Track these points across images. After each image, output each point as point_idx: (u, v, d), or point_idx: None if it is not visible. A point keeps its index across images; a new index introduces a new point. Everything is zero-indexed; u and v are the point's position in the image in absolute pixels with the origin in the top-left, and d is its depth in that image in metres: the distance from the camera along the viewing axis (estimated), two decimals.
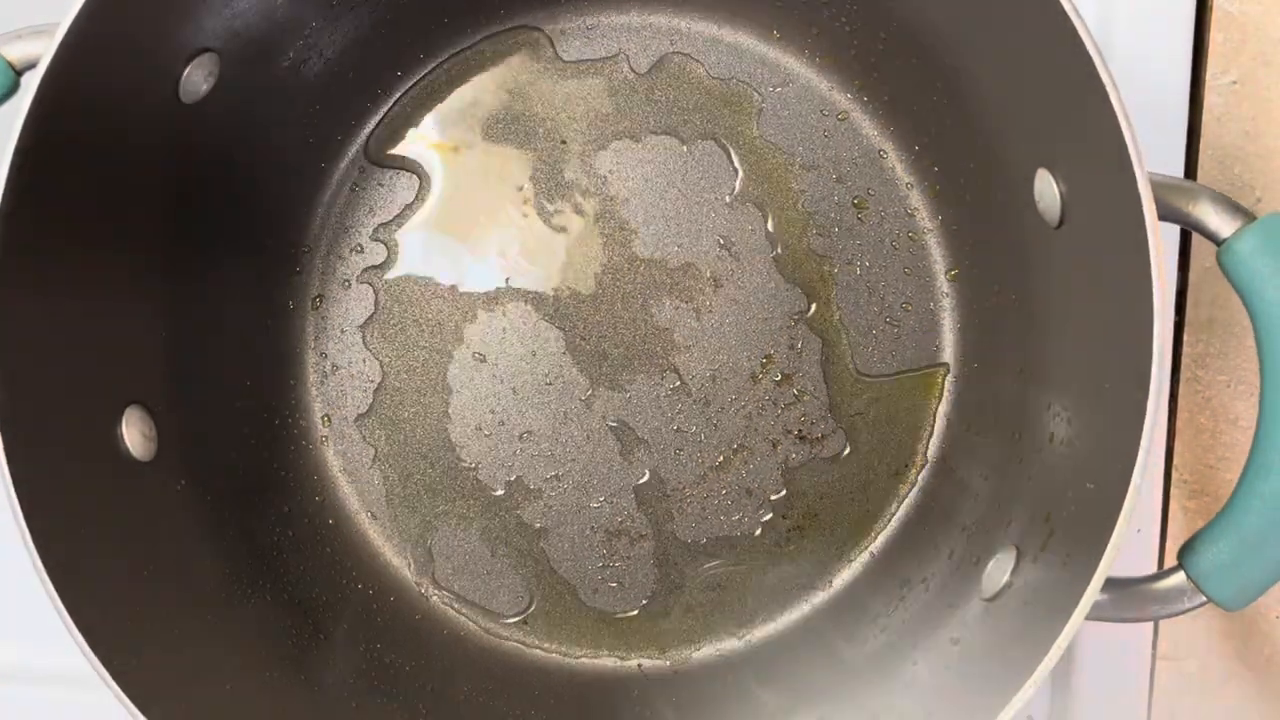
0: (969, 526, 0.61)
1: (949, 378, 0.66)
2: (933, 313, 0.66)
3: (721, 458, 0.66)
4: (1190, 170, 0.69)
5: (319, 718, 0.59)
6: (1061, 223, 0.53)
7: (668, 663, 0.67)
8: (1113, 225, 0.48)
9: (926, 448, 0.66)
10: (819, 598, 0.66)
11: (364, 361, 0.67)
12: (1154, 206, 0.45)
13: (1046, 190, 0.54)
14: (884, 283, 0.66)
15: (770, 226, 0.66)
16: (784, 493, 0.66)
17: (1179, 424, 0.70)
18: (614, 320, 0.67)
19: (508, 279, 0.67)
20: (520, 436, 0.67)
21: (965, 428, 0.65)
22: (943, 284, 0.66)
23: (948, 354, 0.66)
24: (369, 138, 0.67)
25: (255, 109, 0.60)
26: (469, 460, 0.67)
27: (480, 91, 0.67)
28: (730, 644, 0.67)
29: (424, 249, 0.67)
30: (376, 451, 0.67)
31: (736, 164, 0.67)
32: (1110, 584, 0.48)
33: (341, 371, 0.67)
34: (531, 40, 0.67)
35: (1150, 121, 0.66)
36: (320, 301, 0.67)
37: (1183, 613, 0.51)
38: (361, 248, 0.67)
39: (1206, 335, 0.69)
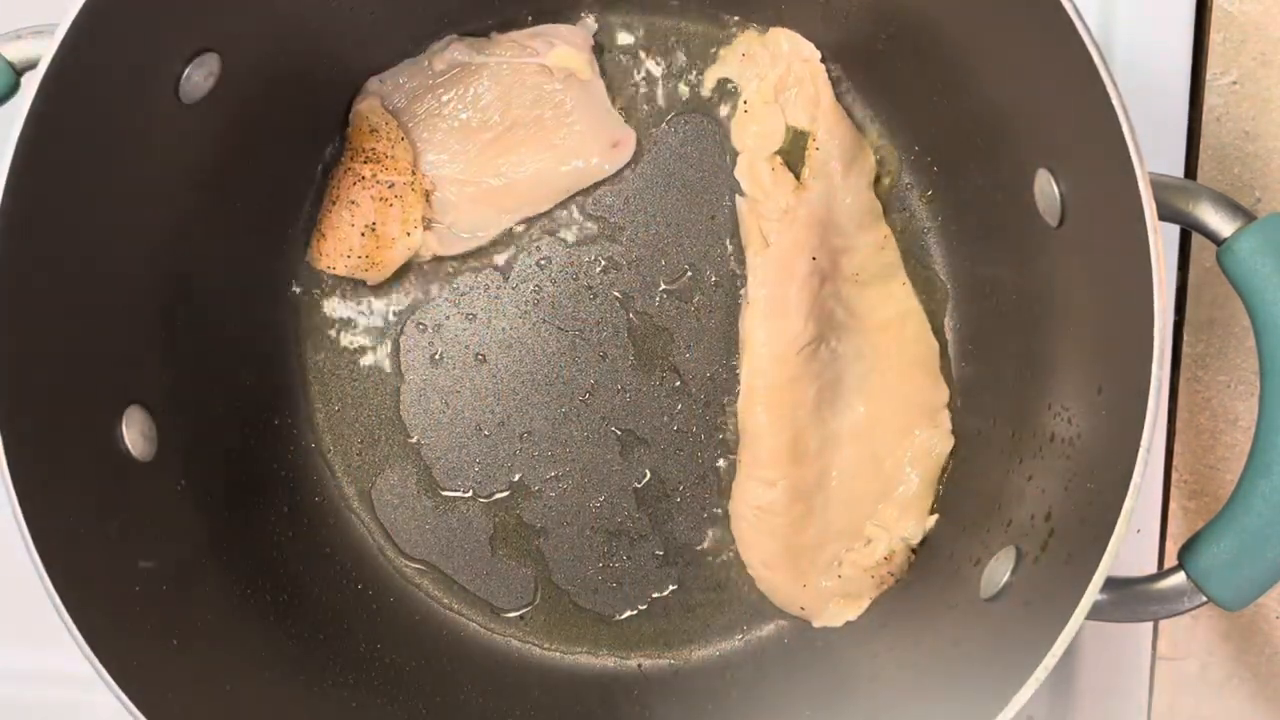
0: (969, 526, 0.61)
1: (949, 378, 0.66)
2: (933, 313, 0.66)
3: (722, 458, 0.66)
4: (1190, 170, 0.69)
5: (319, 718, 0.59)
6: (1062, 223, 0.53)
7: (668, 662, 0.67)
8: (1113, 225, 0.48)
9: None
10: None
11: (365, 362, 0.67)
12: (1154, 206, 0.45)
13: (1047, 190, 0.54)
14: None
15: None
16: None
17: (1179, 424, 0.70)
18: (614, 321, 0.67)
19: (508, 279, 0.67)
20: (520, 436, 0.67)
21: (965, 427, 0.65)
22: (943, 284, 0.66)
23: (949, 353, 0.66)
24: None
25: (256, 108, 0.60)
26: (470, 460, 0.67)
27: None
28: (730, 644, 0.67)
29: (424, 250, 0.67)
30: (376, 452, 0.67)
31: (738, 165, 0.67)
32: (1110, 584, 0.48)
33: (342, 372, 0.67)
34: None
35: (1150, 121, 0.66)
36: (321, 303, 0.67)
37: (1183, 613, 0.51)
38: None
39: (1206, 335, 0.69)
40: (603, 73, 0.66)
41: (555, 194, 0.66)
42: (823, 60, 0.65)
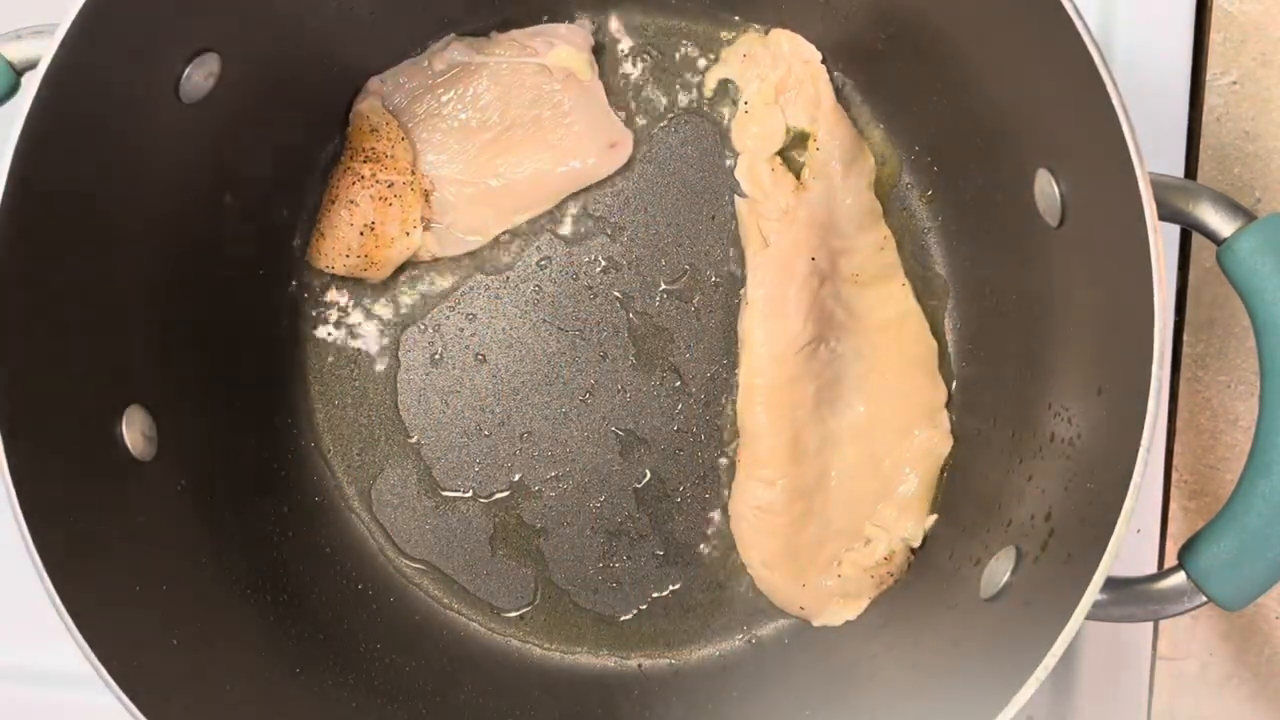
0: (969, 526, 0.61)
1: (949, 378, 0.66)
2: (933, 312, 0.66)
3: (722, 458, 0.66)
4: (1190, 170, 0.69)
5: (318, 718, 0.59)
6: (1062, 223, 0.53)
7: (668, 662, 0.67)
8: (1113, 225, 0.48)
9: None
10: None
11: (365, 362, 0.67)
12: (1154, 206, 0.45)
13: (1047, 190, 0.54)
14: None
15: None
16: None
17: (1179, 424, 0.70)
18: (614, 321, 0.67)
19: (508, 279, 0.67)
20: (520, 436, 0.67)
21: (965, 427, 0.65)
22: (943, 284, 0.66)
23: (949, 354, 0.66)
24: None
25: (256, 108, 0.60)
26: (470, 460, 0.67)
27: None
28: (730, 644, 0.67)
29: (424, 251, 0.67)
30: (376, 452, 0.67)
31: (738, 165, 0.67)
32: (1110, 584, 0.48)
33: (342, 372, 0.67)
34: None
35: (1150, 122, 0.66)
36: (321, 302, 0.67)
37: (1183, 612, 0.51)
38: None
39: (1206, 335, 0.69)
40: (602, 73, 0.66)
41: (553, 195, 0.66)
42: (823, 61, 0.65)
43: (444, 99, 0.66)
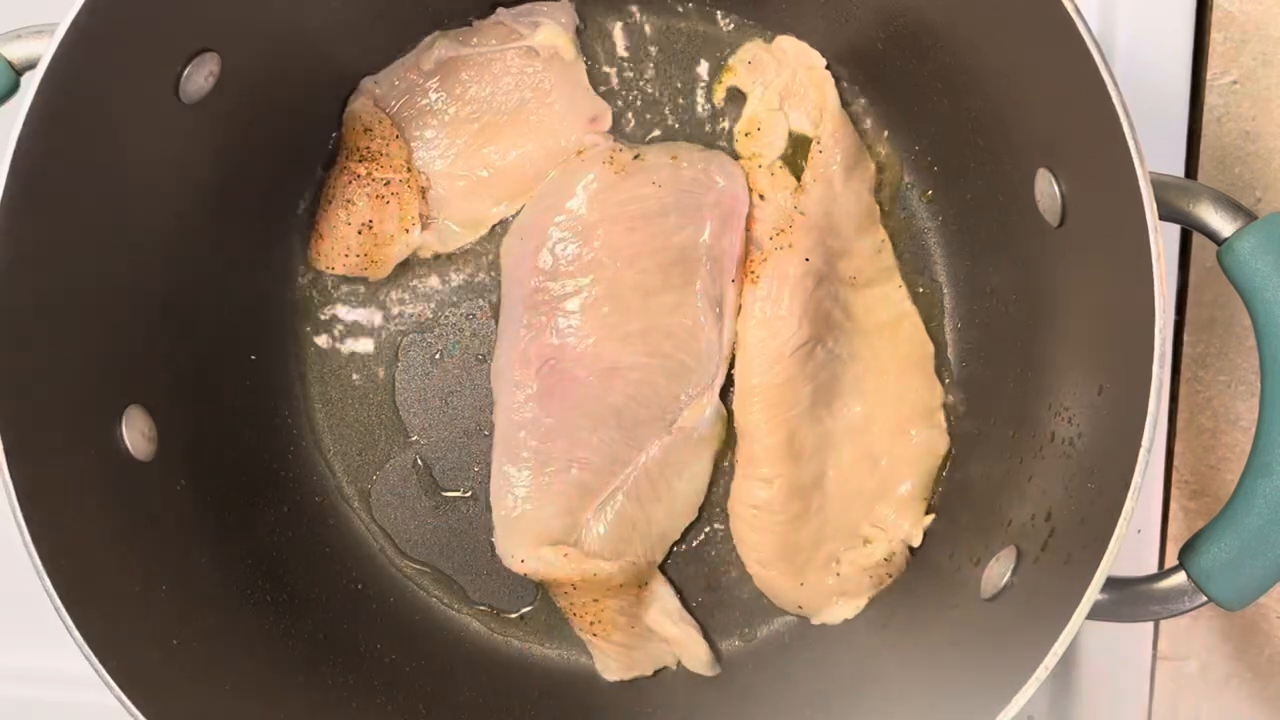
0: (969, 526, 0.61)
1: (949, 378, 0.66)
2: (933, 312, 0.66)
3: (721, 458, 0.66)
4: (1190, 170, 0.69)
5: (319, 718, 0.59)
6: (1062, 222, 0.53)
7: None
8: (1114, 225, 0.48)
9: None
10: None
11: (365, 362, 0.67)
12: (1155, 206, 0.45)
13: (1047, 190, 0.54)
14: None
15: None
16: None
17: (1180, 424, 0.70)
18: None
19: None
20: None
21: (965, 427, 0.65)
22: (943, 284, 0.66)
23: (948, 354, 0.66)
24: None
25: (254, 109, 0.60)
26: (470, 460, 0.67)
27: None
28: (729, 644, 0.67)
29: (424, 249, 0.67)
30: (376, 451, 0.67)
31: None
32: (1111, 584, 0.48)
33: (342, 372, 0.67)
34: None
35: (1151, 121, 0.66)
36: (321, 302, 0.67)
37: (1183, 612, 0.51)
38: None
39: (1207, 335, 0.69)
40: (604, 75, 0.66)
41: (541, 179, 0.66)
42: (827, 66, 0.65)
43: (433, 95, 0.66)
